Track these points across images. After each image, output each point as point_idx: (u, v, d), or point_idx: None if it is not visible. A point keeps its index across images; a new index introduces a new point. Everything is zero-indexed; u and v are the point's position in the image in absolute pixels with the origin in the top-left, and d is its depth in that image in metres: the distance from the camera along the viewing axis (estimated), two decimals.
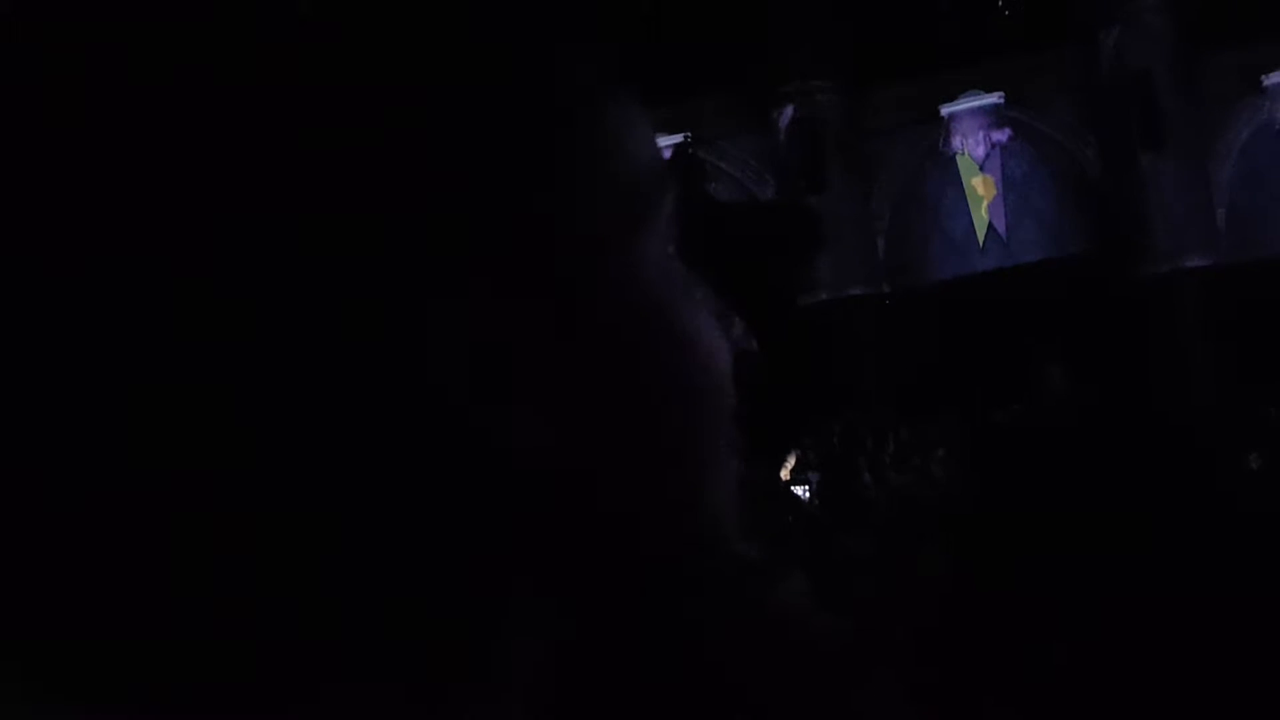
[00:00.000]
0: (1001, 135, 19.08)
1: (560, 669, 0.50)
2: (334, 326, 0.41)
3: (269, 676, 0.42)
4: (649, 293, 0.48)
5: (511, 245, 0.44)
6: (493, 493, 0.44)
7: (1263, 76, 17.92)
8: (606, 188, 0.48)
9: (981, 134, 19.13)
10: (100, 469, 0.41)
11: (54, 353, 0.41)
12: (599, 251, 0.47)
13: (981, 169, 19.21)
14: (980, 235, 19.24)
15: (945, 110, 19.13)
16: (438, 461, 0.43)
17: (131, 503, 0.41)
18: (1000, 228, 19.14)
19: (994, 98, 18.93)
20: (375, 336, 0.42)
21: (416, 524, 0.43)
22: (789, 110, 18.76)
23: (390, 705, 0.44)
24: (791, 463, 8.70)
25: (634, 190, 0.49)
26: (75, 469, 0.41)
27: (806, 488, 5.22)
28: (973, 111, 19.10)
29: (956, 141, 19.22)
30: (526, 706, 0.49)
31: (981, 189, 19.24)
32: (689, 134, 17.40)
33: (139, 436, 0.41)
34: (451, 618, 0.45)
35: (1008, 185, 19.13)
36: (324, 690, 0.43)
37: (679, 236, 0.52)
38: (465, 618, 0.46)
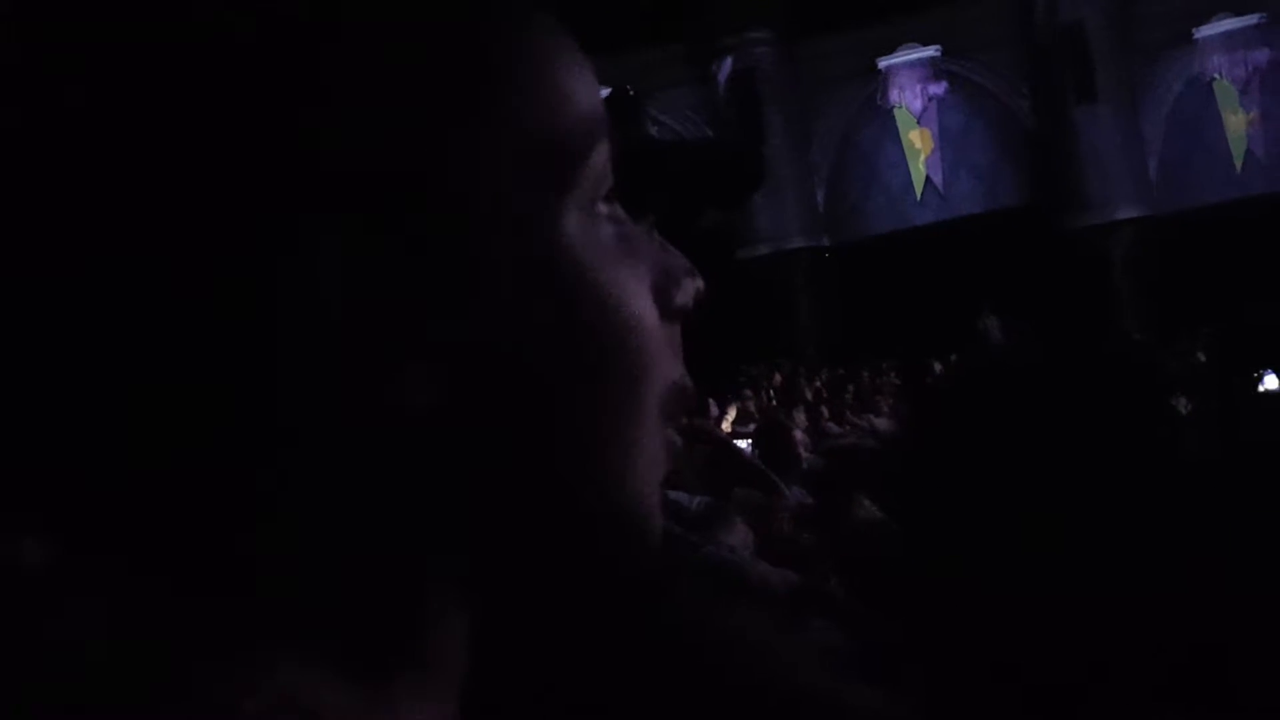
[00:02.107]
0: (938, 88, 19.16)
1: (485, 651, 0.49)
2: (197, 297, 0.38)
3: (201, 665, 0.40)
4: (565, 258, 0.44)
5: (406, 195, 0.40)
6: (396, 458, 0.42)
7: (1193, 29, 18.12)
8: (529, 139, 0.43)
9: (918, 87, 19.20)
10: None
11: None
12: (512, 209, 0.42)
13: (919, 122, 19.29)
14: (918, 188, 19.35)
15: (882, 63, 19.17)
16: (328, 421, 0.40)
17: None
18: (937, 180, 19.26)
19: (931, 51, 18.99)
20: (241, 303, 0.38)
21: (322, 493, 0.41)
22: (728, 63, 18.71)
23: (325, 694, 0.42)
24: (733, 414, 8.76)
25: (561, 144, 0.44)
26: None
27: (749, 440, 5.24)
28: (909, 64, 19.16)
29: (894, 94, 19.28)
30: (458, 692, 0.48)
31: (919, 142, 19.33)
32: (628, 86, 17.32)
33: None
34: (378, 596, 0.44)
35: (944, 138, 19.23)
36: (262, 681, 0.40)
37: (617, 188, 0.47)
38: (392, 596, 0.44)
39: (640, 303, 0.46)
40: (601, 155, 0.46)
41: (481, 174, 0.42)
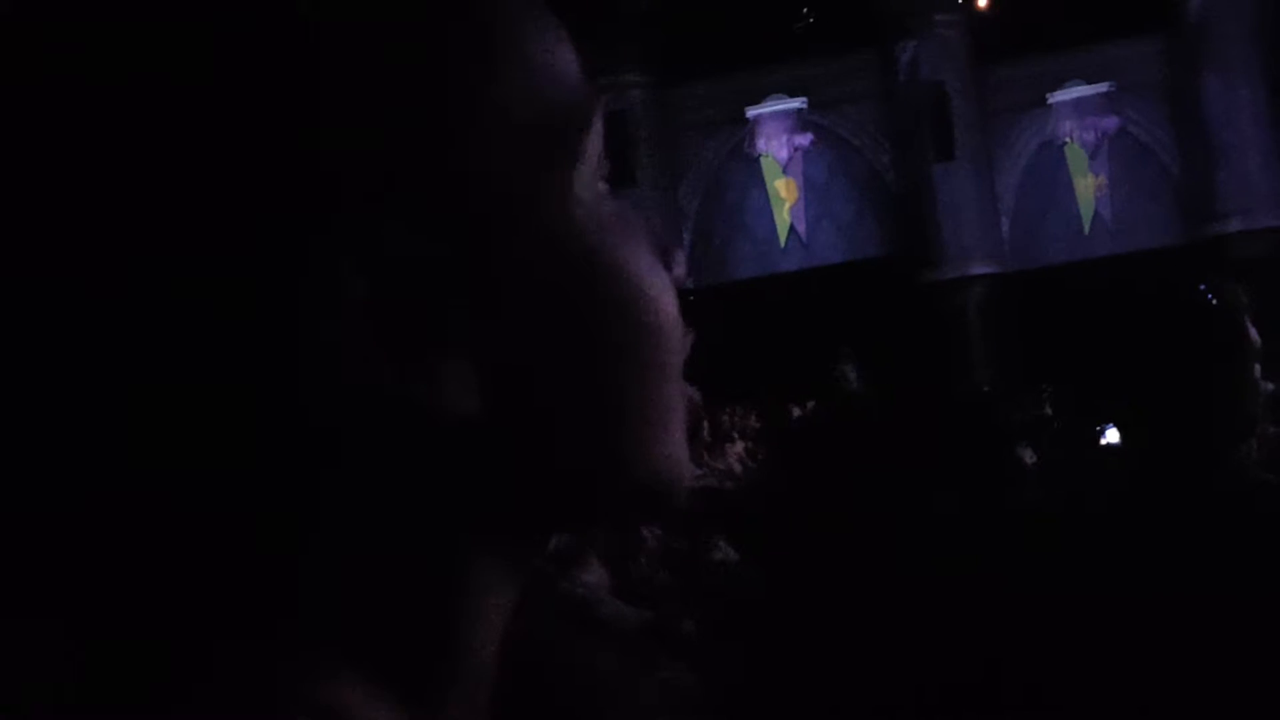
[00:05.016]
0: (804, 140, 19.50)
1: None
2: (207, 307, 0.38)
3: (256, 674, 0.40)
4: (578, 236, 0.44)
5: (411, 188, 0.40)
6: (433, 461, 0.41)
7: (1047, 93, 18.79)
8: (520, 117, 0.43)
9: (785, 137, 19.51)
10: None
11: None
12: (515, 191, 0.42)
13: (784, 171, 19.60)
14: (782, 236, 19.63)
15: (751, 112, 19.46)
16: (358, 442, 0.39)
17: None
18: (801, 229, 19.57)
19: (797, 103, 19.33)
20: (253, 317, 0.38)
21: (361, 507, 0.40)
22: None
23: (373, 711, 0.41)
24: None
25: (553, 120, 0.44)
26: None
27: None
28: (776, 115, 19.47)
29: (761, 143, 19.56)
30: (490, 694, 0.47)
31: (784, 191, 19.62)
32: None
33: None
34: (422, 605, 0.43)
35: (809, 188, 19.56)
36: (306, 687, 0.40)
37: (608, 171, 0.47)
38: (436, 605, 0.43)
39: (655, 273, 0.47)
40: (597, 129, 0.47)
41: (486, 158, 0.41)
